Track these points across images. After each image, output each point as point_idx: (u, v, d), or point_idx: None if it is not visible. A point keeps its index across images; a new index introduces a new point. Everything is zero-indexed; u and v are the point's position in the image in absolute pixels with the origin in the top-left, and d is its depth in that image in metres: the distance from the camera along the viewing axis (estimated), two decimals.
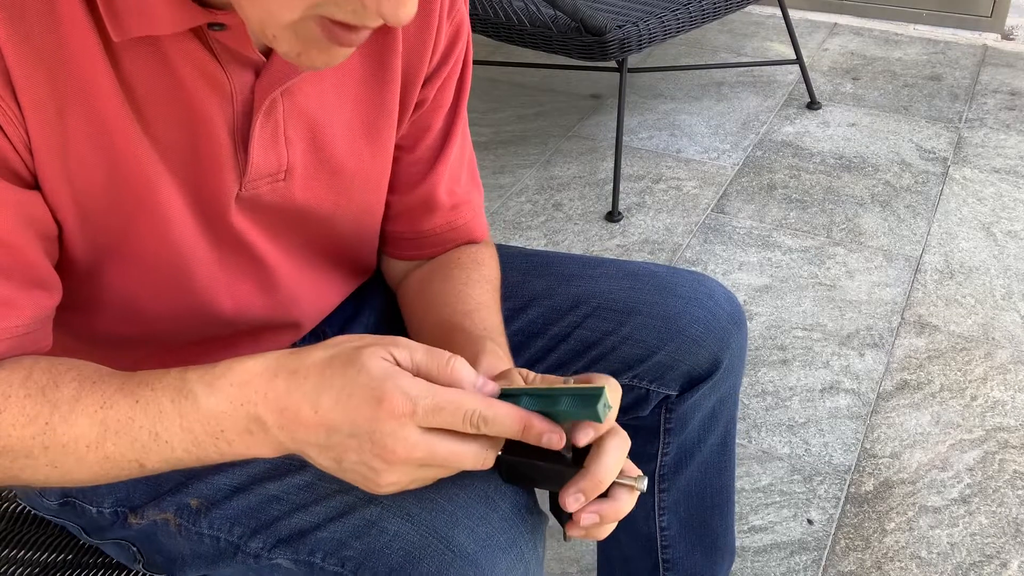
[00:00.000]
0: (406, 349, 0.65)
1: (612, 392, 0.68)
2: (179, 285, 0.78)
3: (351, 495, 0.74)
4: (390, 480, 0.65)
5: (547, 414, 0.66)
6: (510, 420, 0.65)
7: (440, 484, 0.70)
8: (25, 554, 0.89)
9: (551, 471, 0.70)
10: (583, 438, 0.68)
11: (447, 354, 0.66)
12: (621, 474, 0.71)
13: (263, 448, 0.65)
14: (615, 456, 0.69)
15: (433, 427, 0.63)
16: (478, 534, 0.71)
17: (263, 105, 0.72)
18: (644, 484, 0.72)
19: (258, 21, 0.60)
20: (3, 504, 0.95)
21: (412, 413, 0.62)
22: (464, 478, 0.73)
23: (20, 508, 0.94)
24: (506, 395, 0.67)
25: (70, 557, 0.90)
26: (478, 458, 0.65)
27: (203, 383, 0.64)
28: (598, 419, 0.65)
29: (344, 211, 0.85)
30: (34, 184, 0.68)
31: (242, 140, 0.73)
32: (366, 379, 0.62)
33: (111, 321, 0.81)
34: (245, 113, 0.72)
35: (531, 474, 0.72)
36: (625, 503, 0.72)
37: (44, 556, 0.89)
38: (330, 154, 0.80)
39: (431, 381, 0.65)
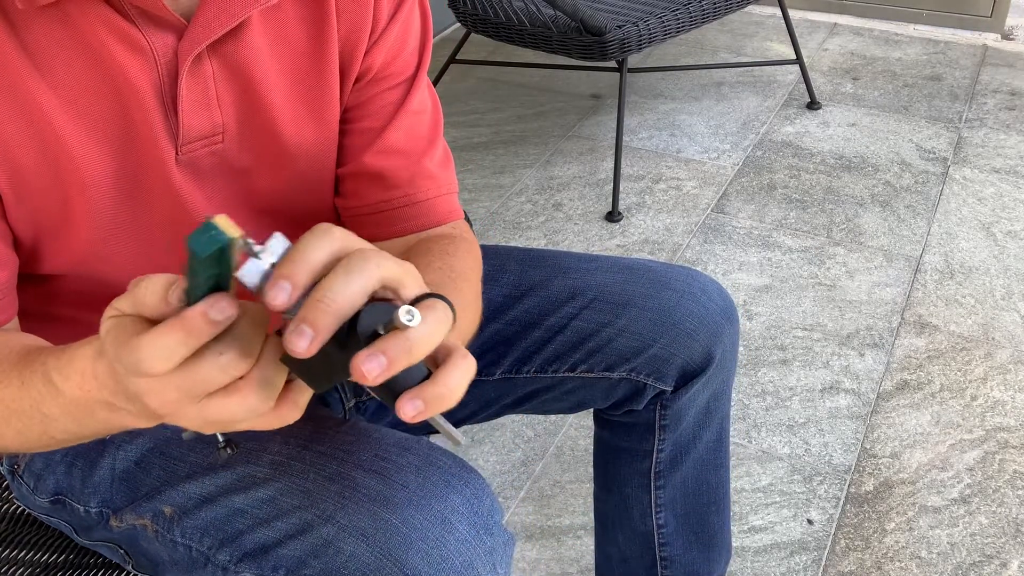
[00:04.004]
0: (130, 294, 0.53)
1: (225, 223, 0.49)
2: (126, 258, 0.77)
3: (309, 512, 0.74)
4: (195, 422, 0.55)
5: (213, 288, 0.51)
6: (149, 315, 0.51)
7: (396, 505, 0.70)
8: (25, 554, 0.89)
9: (328, 357, 0.53)
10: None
11: (147, 279, 0.53)
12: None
13: (137, 421, 0.58)
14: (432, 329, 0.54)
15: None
16: (432, 557, 0.70)
17: (187, 63, 0.71)
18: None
19: None
20: (3, 505, 0.95)
21: (113, 365, 0.53)
22: (422, 499, 0.72)
23: (20, 509, 0.94)
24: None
25: (71, 557, 0.90)
26: (222, 371, 0.51)
27: (57, 371, 0.60)
28: (196, 255, 0.49)
29: (290, 187, 0.82)
30: None
31: (171, 103, 0.72)
32: (101, 342, 0.53)
33: (65, 302, 0.80)
34: (171, 75, 0.71)
35: (315, 366, 0.54)
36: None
37: (44, 556, 0.89)
38: (269, 119, 0.78)
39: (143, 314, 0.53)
